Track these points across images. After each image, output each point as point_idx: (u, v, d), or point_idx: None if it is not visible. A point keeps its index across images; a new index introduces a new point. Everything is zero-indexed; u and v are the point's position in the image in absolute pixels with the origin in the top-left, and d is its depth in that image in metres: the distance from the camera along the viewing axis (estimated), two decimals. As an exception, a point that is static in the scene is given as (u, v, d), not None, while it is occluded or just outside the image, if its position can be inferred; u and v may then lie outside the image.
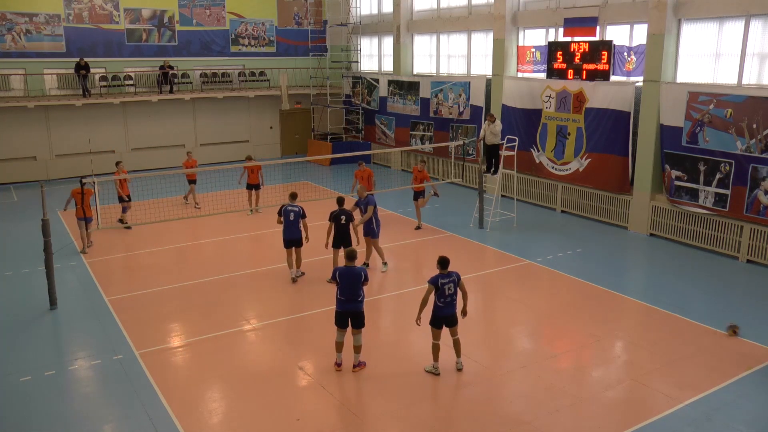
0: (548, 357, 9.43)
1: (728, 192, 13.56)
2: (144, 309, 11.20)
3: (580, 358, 9.46)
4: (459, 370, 8.90)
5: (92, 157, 20.78)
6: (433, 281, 8.52)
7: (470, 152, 19.15)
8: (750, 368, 8.98)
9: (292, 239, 12.24)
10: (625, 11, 15.64)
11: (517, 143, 16.47)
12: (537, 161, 17.99)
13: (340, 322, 8.91)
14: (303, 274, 12.68)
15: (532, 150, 18.04)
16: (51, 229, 11.02)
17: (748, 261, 13.49)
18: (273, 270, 12.95)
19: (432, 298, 8.57)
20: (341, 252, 12.08)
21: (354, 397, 8.47)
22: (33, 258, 13.53)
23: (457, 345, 8.91)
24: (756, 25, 13.23)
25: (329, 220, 12.09)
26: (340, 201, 12.28)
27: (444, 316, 8.67)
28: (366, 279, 8.79)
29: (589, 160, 16.51)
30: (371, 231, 12.71)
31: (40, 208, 11.19)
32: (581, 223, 16.63)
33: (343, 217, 12.01)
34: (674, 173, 14.58)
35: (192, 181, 18.12)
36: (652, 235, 15.32)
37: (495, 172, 16.24)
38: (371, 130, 25.42)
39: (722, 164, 13.62)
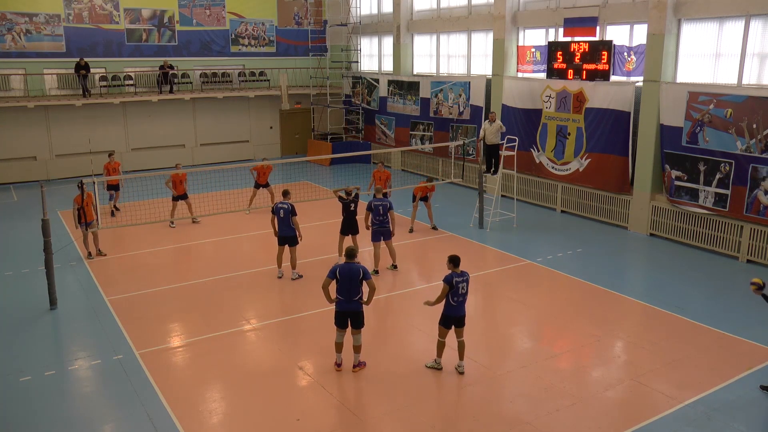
0: (548, 357, 9.43)
1: (728, 192, 13.56)
2: (144, 309, 11.20)
3: (580, 358, 9.46)
4: (461, 373, 8.86)
5: (92, 157, 20.76)
6: (448, 280, 8.48)
7: (470, 152, 19.15)
8: (750, 368, 8.98)
9: (285, 236, 12.33)
10: (625, 11, 15.64)
11: (517, 143, 16.47)
12: (537, 161, 17.99)
13: (340, 323, 8.89)
14: (300, 276, 12.58)
15: (532, 150, 18.04)
16: (51, 229, 11.03)
17: (748, 261, 13.49)
18: (273, 270, 12.93)
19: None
20: (347, 239, 12.80)
21: (354, 397, 8.47)
22: (33, 258, 13.53)
23: (461, 347, 8.90)
24: (756, 25, 13.23)
25: (339, 200, 12.84)
26: (352, 194, 12.89)
27: (455, 316, 8.68)
28: (366, 276, 8.68)
29: (589, 160, 16.51)
30: (375, 234, 12.61)
31: (40, 208, 11.19)
32: (581, 223, 16.63)
33: (353, 205, 12.65)
34: (674, 173, 14.58)
35: (181, 197, 16.27)
36: (652, 235, 15.32)
37: (495, 172, 16.24)
38: (371, 130, 25.42)
39: (722, 164, 13.62)
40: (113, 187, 16.87)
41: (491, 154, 16.08)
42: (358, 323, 8.86)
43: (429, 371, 8.93)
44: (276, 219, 12.30)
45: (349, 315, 8.82)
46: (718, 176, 13.73)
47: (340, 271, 8.69)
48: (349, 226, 12.89)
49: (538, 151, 17.89)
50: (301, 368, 9.12)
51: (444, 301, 8.63)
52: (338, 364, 9.01)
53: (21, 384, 8.71)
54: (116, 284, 12.46)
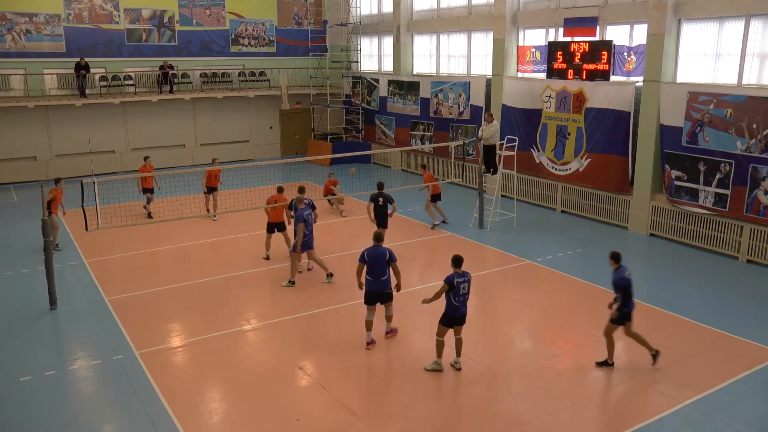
0: (548, 357, 9.43)
1: (728, 192, 13.56)
2: (144, 309, 11.20)
3: (580, 358, 9.45)
4: (458, 369, 8.92)
5: (92, 157, 20.77)
6: (449, 280, 8.55)
7: (470, 152, 19.15)
8: (750, 368, 8.98)
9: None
10: (625, 11, 15.64)
11: (517, 143, 16.47)
12: (537, 161, 17.99)
13: (369, 301, 9.54)
14: (311, 269, 13.02)
15: (532, 150, 18.04)
16: (51, 229, 11.02)
17: (748, 261, 13.49)
18: (273, 270, 12.94)
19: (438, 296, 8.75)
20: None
21: (354, 397, 8.46)
22: (33, 258, 13.54)
23: (459, 344, 8.96)
24: (756, 25, 13.23)
25: (369, 200, 13.58)
26: (380, 185, 13.65)
27: (458, 316, 8.74)
28: (392, 259, 9.37)
29: (589, 160, 16.51)
30: (305, 243, 12.15)
31: (40, 208, 11.20)
32: (581, 223, 16.63)
33: (381, 199, 13.47)
34: (674, 173, 14.58)
35: (212, 189, 17.04)
36: (652, 235, 15.32)
37: (495, 172, 16.24)
38: (371, 130, 25.42)
39: (722, 164, 13.62)
40: (148, 190, 16.94)
41: (489, 154, 16.06)
42: (386, 300, 9.64)
43: (427, 372, 8.92)
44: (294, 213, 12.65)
45: (378, 295, 9.51)
46: (718, 176, 13.72)
47: (368, 253, 9.36)
48: (378, 221, 13.52)
49: (538, 151, 17.89)
50: (301, 368, 9.12)
51: (445, 300, 8.67)
52: (369, 343, 9.56)
53: (21, 384, 8.71)
54: (116, 284, 12.46)
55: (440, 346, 8.89)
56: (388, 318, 9.84)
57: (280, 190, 13.43)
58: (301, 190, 12.77)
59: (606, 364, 9.01)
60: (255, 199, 17.67)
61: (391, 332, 9.90)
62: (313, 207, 12.71)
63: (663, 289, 12.04)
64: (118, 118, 23.54)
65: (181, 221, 16.18)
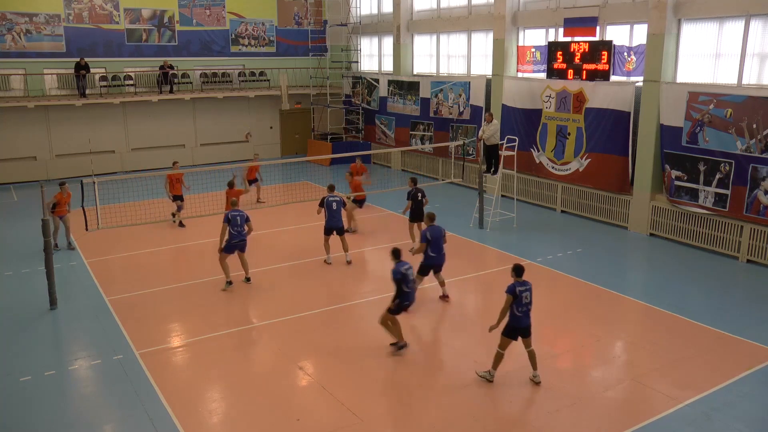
0: (548, 357, 9.42)
1: (728, 192, 13.56)
2: (144, 309, 11.20)
3: (580, 358, 9.46)
4: (537, 383, 8.56)
5: (92, 157, 20.77)
6: (511, 290, 8.29)
7: (470, 152, 19.16)
8: (750, 368, 8.98)
9: (335, 227, 13.34)
10: (625, 11, 15.64)
11: (517, 143, 16.47)
12: (537, 161, 17.99)
13: (425, 272, 11.04)
14: (350, 262, 13.38)
15: (532, 150, 18.04)
16: (51, 230, 11.02)
17: (748, 261, 13.49)
18: (273, 270, 12.95)
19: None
20: (415, 226, 14.12)
21: (354, 397, 8.46)
22: (33, 258, 13.53)
23: (532, 357, 8.63)
24: (756, 25, 13.23)
25: (407, 198, 14.00)
26: (415, 180, 14.24)
27: (521, 327, 8.44)
28: (445, 232, 10.98)
29: (589, 160, 16.51)
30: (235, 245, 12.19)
31: (40, 208, 11.20)
32: (581, 223, 16.63)
33: (420, 194, 13.97)
34: (674, 173, 14.58)
35: (253, 181, 18.56)
36: (652, 235, 15.32)
37: (495, 172, 16.24)
38: (371, 130, 25.42)
39: (722, 164, 13.62)
40: (178, 197, 16.44)
41: (490, 154, 16.07)
42: (438, 269, 11.19)
43: (427, 372, 8.95)
44: (325, 211, 13.18)
45: (438, 266, 11.03)
46: (718, 176, 13.72)
47: (430, 233, 10.81)
48: (417, 215, 14.03)
49: (538, 151, 17.89)
50: (301, 368, 9.12)
51: (508, 312, 8.38)
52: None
53: (21, 384, 8.71)
54: (116, 284, 12.47)
55: (499, 358, 8.54)
56: (442, 282, 11.30)
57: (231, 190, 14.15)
58: (331, 188, 13.74)
59: (398, 345, 9.46)
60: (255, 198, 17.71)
61: (446, 296, 11.28)
62: (343, 204, 13.46)
63: (663, 289, 12.05)
64: (118, 118, 23.54)
65: (184, 220, 16.18)
